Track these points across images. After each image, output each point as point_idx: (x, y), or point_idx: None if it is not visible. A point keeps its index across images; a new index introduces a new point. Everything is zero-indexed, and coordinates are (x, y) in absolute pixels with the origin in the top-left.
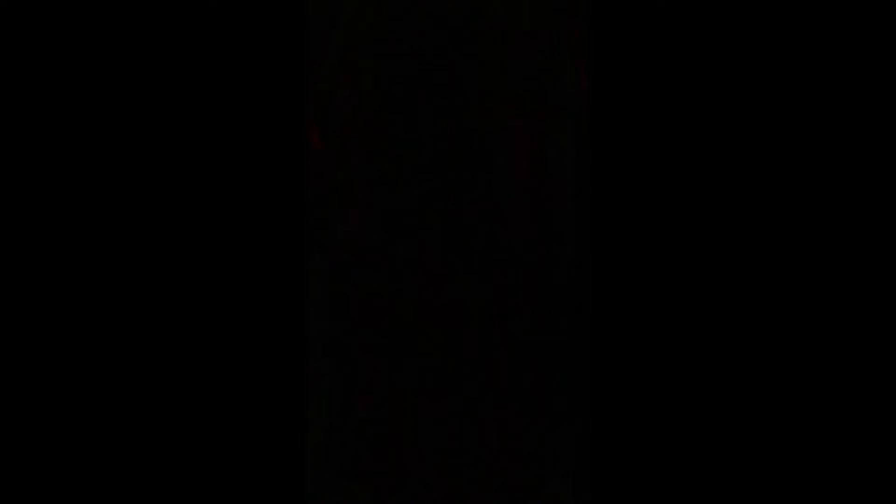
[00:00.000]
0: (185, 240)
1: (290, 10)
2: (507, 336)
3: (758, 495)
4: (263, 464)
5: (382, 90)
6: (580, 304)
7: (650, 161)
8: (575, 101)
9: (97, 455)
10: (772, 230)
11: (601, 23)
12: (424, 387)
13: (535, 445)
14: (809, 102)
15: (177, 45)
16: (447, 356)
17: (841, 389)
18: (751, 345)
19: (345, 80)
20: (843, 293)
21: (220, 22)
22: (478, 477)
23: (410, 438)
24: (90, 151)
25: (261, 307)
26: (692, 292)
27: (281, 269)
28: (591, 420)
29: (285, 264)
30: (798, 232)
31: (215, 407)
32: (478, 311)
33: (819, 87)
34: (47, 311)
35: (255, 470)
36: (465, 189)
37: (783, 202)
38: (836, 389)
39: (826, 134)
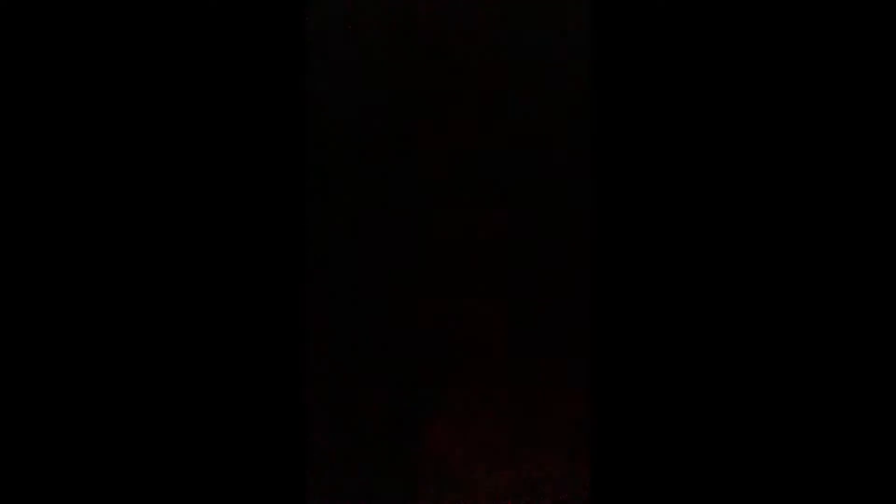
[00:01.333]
0: (185, 239)
1: (289, 11)
2: (506, 335)
3: (757, 493)
4: (263, 464)
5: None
6: (581, 303)
7: (653, 155)
8: (578, 97)
9: (96, 454)
10: (774, 231)
11: (603, 22)
12: (426, 384)
13: (534, 446)
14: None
15: (175, 43)
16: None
17: (839, 386)
18: (747, 345)
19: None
20: (835, 288)
21: (220, 20)
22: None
23: (409, 436)
24: (92, 147)
25: (260, 308)
26: (691, 292)
27: (280, 268)
28: (593, 424)
29: (285, 263)
30: (795, 229)
31: (214, 407)
32: (479, 306)
33: (817, 90)
34: (46, 311)
35: (254, 470)
36: (465, 186)
37: (781, 200)
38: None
39: (821, 132)
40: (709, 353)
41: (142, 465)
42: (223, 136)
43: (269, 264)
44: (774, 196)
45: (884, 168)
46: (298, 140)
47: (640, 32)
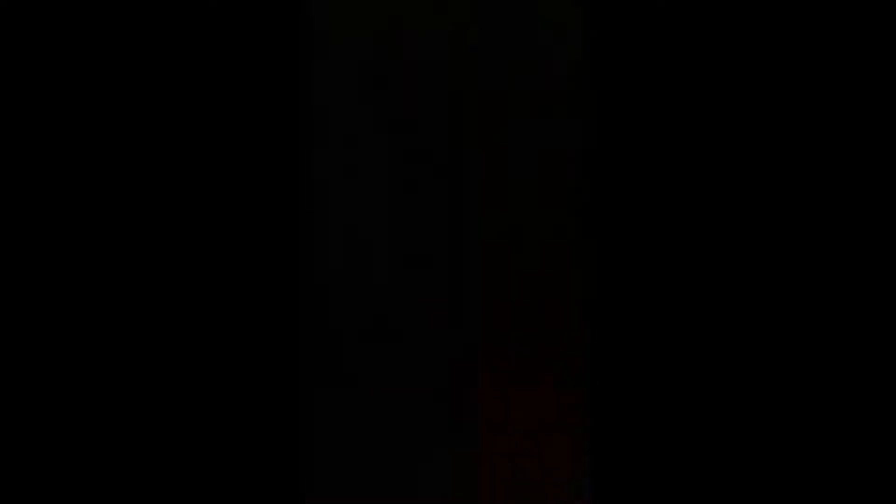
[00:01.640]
0: (183, 239)
1: (289, 12)
2: (504, 332)
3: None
4: (262, 465)
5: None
6: (581, 305)
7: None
8: (577, 95)
9: (91, 454)
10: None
11: (600, 17)
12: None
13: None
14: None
15: (175, 43)
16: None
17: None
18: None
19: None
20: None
21: (219, 20)
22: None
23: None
24: (89, 148)
25: (257, 308)
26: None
27: (276, 269)
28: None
29: (280, 264)
30: (794, 228)
31: (212, 408)
32: (477, 304)
33: (817, 90)
34: (45, 311)
35: (253, 471)
36: (462, 185)
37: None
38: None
39: (824, 132)
40: (709, 354)
41: (138, 466)
42: (220, 133)
43: (265, 261)
44: (775, 196)
45: (884, 168)
46: (297, 137)
47: (639, 33)
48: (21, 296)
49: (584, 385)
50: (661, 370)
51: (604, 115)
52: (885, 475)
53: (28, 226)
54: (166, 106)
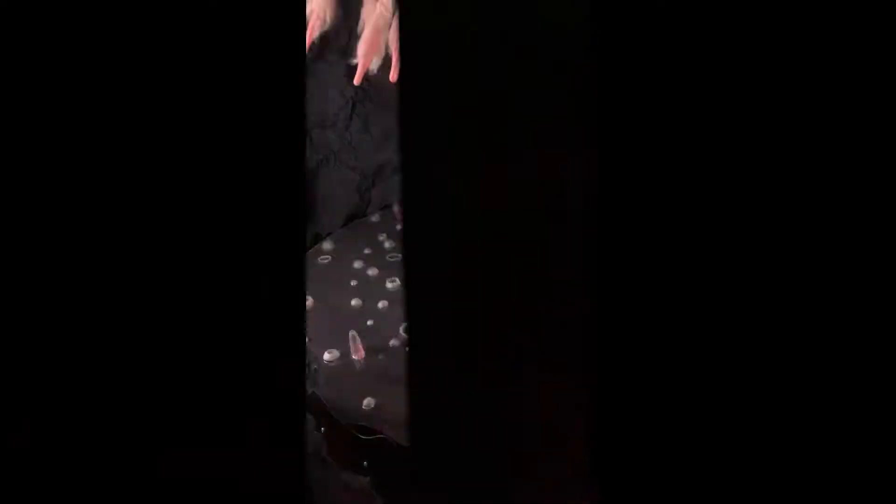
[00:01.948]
0: (183, 236)
1: (291, 7)
2: (511, 332)
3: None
4: (263, 464)
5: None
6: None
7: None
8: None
9: (92, 455)
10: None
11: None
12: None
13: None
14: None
15: (174, 41)
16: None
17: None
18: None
19: None
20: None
21: (219, 19)
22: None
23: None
24: (89, 149)
25: (260, 306)
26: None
27: (281, 265)
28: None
29: (286, 259)
30: (795, 229)
31: (213, 408)
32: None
33: (817, 89)
34: (45, 311)
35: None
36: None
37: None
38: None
39: (824, 132)
40: (713, 355)
41: (138, 465)
42: (220, 130)
43: (269, 257)
44: (779, 196)
45: (884, 169)
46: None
47: (642, 31)
48: (23, 297)
49: (586, 385)
50: (665, 371)
51: (604, 114)
52: (887, 475)
53: (30, 224)
54: (165, 102)
